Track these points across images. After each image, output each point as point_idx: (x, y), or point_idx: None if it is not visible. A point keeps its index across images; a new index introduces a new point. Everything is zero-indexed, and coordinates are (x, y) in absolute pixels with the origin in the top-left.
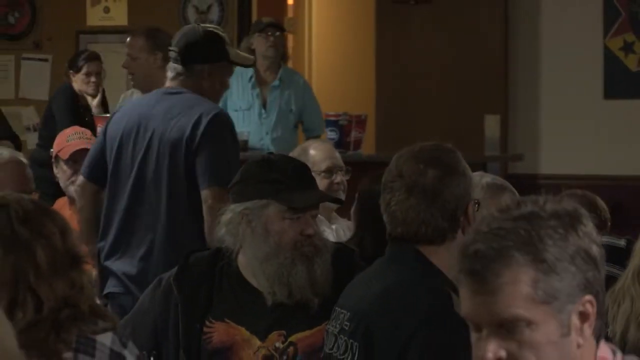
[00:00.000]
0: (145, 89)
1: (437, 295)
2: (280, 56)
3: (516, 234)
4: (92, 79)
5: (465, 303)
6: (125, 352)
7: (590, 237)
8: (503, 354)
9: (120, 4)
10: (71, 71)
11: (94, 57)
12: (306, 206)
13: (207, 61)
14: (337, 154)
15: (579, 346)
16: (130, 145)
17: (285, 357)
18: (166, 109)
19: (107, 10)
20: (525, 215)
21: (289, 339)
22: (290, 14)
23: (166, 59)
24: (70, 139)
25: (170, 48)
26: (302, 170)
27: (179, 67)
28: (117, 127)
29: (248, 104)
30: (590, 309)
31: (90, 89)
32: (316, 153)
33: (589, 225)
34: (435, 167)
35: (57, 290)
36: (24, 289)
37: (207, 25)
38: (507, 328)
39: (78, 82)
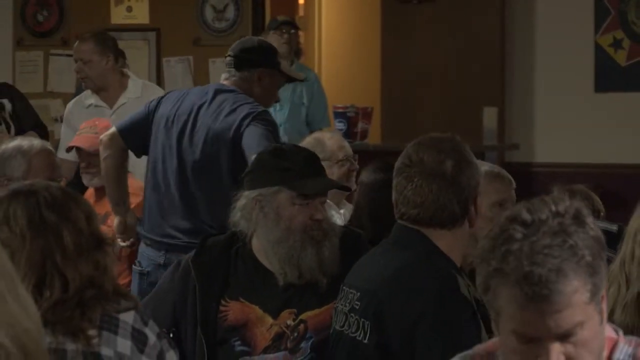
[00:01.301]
0: (99, 90)
1: (444, 277)
2: (294, 52)
3: (561, 248)
4: None
5: (523, 320)
6: (147, 330)
7: (595, 225)
8: (563, 358)
9: (142, 4)
10: None
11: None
12: (315, 192)
13: (258, 66)
14: (346, 143)
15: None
16: (177, 129)
17: (296, 334)
18: (218, 103)
19: (129, 9)
20: (553, 225)
21: (300, 317)
22: (301, 12)
23: (117, 60)
24: (81, 132)
25: (227, 54)
26: (311, 159)
27: (232, 70)
28: (169, 108)
29: None
30: (604, 291)
31: None
32: (332, 143)
33: (589, 214)
34: (453, 157)
35: (82, 271)
36: (52, 269)
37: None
38: (566, 335)
39: None
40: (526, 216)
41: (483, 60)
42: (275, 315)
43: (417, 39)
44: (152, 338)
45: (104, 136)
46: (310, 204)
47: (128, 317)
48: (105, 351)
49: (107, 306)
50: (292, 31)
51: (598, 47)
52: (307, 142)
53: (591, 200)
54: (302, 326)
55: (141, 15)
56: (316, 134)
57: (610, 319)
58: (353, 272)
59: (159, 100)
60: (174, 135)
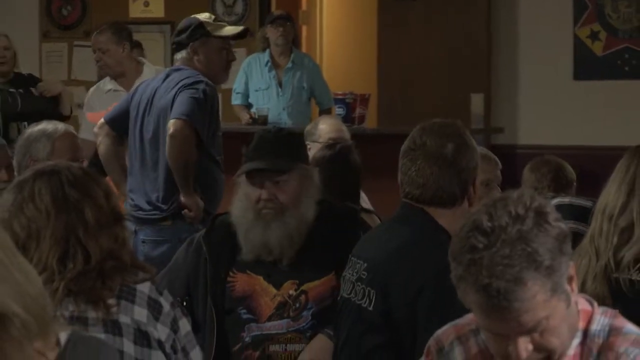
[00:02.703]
0: (117, 76)
1: (445, 251)
2: (291, 42)
3: (519, 257)
4: None
5: (488, 324)
6: (161, 299)
7: (557, 217)
8: (530, 347)
9: (158, 0)
10: None
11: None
12: (242, 174)
13: (187, 44)
14: (344, 128)
15: (575, 303)
16: (141, 112)
17: (297, 304)
18: (167, 83)
19: (146, 4)
20: (511, 233)
21: (301, 288)
22: (304, 7)
23: (132, 49)
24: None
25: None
26: (262, 142)
27: (176, 55)
28: (138, 95)
29: (266, 84)
30: (573, 271)
31: None
32: (324, 127)
33: (552, 209)
34: (454, 141)
35: (102, 244)
36: (75, 243)
37: (194, 15)
38: (531, 330)
39: None
40: (486, 224)
41: (471, 51)
42: (278, 286)
43: (410, 33)
44: (166, 307)
45: (96, 127)
46: (264, 185)
47: (144, 287)
48: (123, 319)
49: (126, 277)
50: (288, 24)
51: (577, 39)
52: (309, 125)
53: (563, 170)
54: (303, 297)
55: (157, 9)
56: (318, 118)
57: (583, 289)
58: (361, 244)
59: (136, 89)
60: (139, 118)
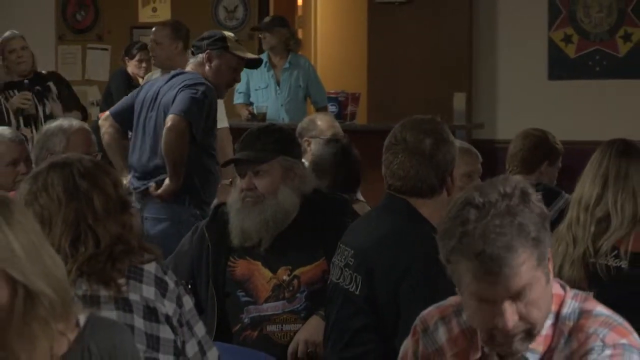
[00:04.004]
0: (165, 69)
1: (426, 239)
2: (283, 45)
3: (509, 227)
4: (143, 64)
5: (479, 288)
6: (166, 278)
7: (539, 199)
8: (516, 317)
9: (165, 5)
10: (126, 58)
11: (145, 47)
12: (222, 165)
13: (205, 50)
14: (337, 124)
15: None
16: (146, 109)
17: (291, 288)
18: (171, 83)
19: (154, 10)
20: (502, 208)
21: (294, 273)
22: (299, 12)
23: (185, 48)
24: None
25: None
26: (246, 137)
27: (192, 57)
28: (144, 93)
29: (265, 83)
30: (550, 254)
31: (141, 72)
32: (322, 123)
33: (534, 191)
34: (432, 136)
35: (111, 230)
36: (85, 228)
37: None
38: (516, 296)
39: (132, 67)
40: (478, 200)
41: (454, 52)
42: (274, 270)
43: (398, 36)
44: (171, 284)
45: (101, 119)
46: (245, 176)
47: (151, 267)
48: (133, 296)
49: (133, 259)
50: (275, 29)
51: (551, 42)
52: (304, 121)
53: (551, 141)
54: (296, 281)
55: (164, 15)
56: (312, 115)
57: (560, 273)
58: (349, 232)
59: (142, 87)
60: (143, 113)
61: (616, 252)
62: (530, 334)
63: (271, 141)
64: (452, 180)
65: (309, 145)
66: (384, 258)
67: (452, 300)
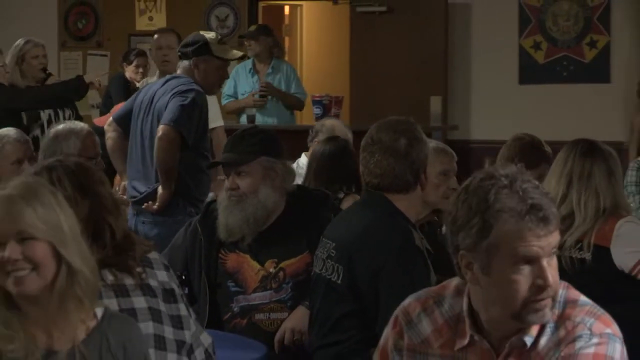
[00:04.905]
0: (173, 72)
1: (403, 231)
2: (267, 53)
3: (538, 190)
4: (140, 70)
5: (531, 243)
6: (165, 262)
7: None
8: (552, 278)
9: (160, 15)
10: (124, 63)
11: (142, 54)
12: (208, 167)
13: (191, 56)
14: (343, 126)
15: None
16: (143, 112)
17: (277, 280)
18: (165, 87)
19: (151, 18)
20: (526, 178)
21: (280, 265)
22: (286, 21)
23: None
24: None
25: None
26: (230, 140)
27: (179, 62)
28: (141, 96)
29: (250, 88)
30: None
31: (138, 77)
32: (340, 130)
33: None
34: (406, 136)
35: (122, 223)
36: (102, 223)
37: (202, 32)
38: (551, 255)
39: (129, 72)
40: (501, 172)
41: (430, 58)
42: (262, 263)
43: (378, 43)
44: (171, 269)
45: (106, 124)
46: (229, 176)
47: (154, 255)
48: (152, 282)
49: (140, 249)
50: (261, 37)
51: (521, 48)
52: (317, 124)
53: (542, 145)
54: (281, 273)
55: (160, 23)
56: (324, 119)
57: None
58: (330, 226)
59: (141, 90)
60: (140, 116)
61: (580, 245)
62: (554, 302)
63: (252, 143)
64: (426, 176)
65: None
66: (363, 249)
67: (430, 291)
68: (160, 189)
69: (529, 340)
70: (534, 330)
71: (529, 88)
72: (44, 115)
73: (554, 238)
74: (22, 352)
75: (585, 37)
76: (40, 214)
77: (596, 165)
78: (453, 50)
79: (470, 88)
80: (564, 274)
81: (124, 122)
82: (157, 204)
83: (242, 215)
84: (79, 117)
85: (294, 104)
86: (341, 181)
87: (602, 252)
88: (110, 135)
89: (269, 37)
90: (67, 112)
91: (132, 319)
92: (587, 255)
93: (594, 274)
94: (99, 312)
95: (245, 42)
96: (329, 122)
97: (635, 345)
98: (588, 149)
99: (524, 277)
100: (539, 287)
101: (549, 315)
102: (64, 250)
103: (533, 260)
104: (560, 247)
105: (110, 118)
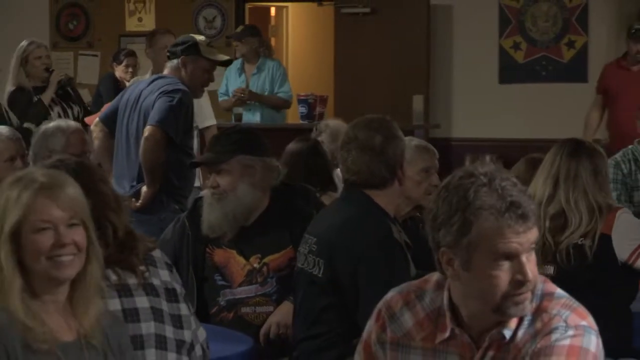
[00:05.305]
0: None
1: (381, 226)
2: (254, 53)
3: (516, 188)
4: (130, 69)
5: (509, 240)
6: (167, 260)
7: None
8: (530, 272)
9: (150, 16)
10: (114, 63)
11: (132, 54)
12: (190, 167)
13: (180, 55)
14: (342, 127)
15: None
16: (128, 110)
17: (262, 274)
18: (152, 86)
19: (140, 19)
20: (505, 176)
21: (263, 261)
22: (272, 22)
23: None
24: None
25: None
26: (212, 140)
27: (168, 62)
28: (127, 95)
29: (239, 87)
30: None
31: (128, 77)
32: (332, 126)
33: None
34: (381, 133)
35: (124, 221)
36: (104, 221)
37: (192, 34)
38: (530, 250)
39: (119, 72)
40: (480, 170)
41: (413, 58)
42: (247, 258)
43: (362, 42)
44: (172, 265)
45: (93, 124)
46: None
47: (157, 253)
48: (155, 281)
49: (143, 247)
50: (247, 38)
51: (502, 49)
52: (321, 124)
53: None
54: (265, 268)
55: (149, 24)
56: (336, 122)
57: None
58: (313, 222)
59: (127, 89)
60: (126, 114)
61: (581, 239)
62: (533, 295)
63: (229, 143)
64: (403, 172)
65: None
66: (343, 243)
67: (411, 285)
68: (144, 188)
69: (507, 333)
70: (513, 323)
71: (508, 87)
72: (54, 113)
73: (533, 234)
74: (44, 344)
75: (564, 38)
76: (80, 198)
77: (581, 165)
78: (435, 51)
79: (452, 87)
80: (556, 262)
81: (110, 121)
82: (140, 201)
83: (222, 212)
84: (87, 114)
85: (278, 104)
86: (315, 180)
87: (606, 239)
88: (97, 135)
89: (254, 37)
90: (76, 109)
91: (121, 319)
92: (588, 242)
93: (595, 261)
94: None
95: (233, 43)
96: (333, 122)
97: (621, 332)
98: (574, 149)
99: (503, 273)
100: (519, 282)
101: (529, 308)
102: (93, 234)
103: (512, 256)
104: (557, 245)
105: (97, 118)
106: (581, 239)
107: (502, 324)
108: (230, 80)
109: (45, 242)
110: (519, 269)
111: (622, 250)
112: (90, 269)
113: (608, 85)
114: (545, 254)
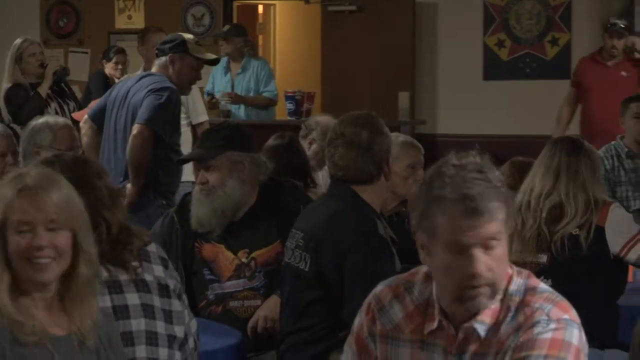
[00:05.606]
0: None
1: (367, 221)
2: (238, 52)
3: (485, 180)
4: (119, 66)
5: (458, 231)
6: (164, 254)
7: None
8: (485, 266)
9: (139, 13)
10: (104, 60)
11: (121, 51)
12: (178, 164)
13: (168, 53)
14: (330, 122)
15: None
16: (116, 107)
17: (249, 268)
18: (140, 83)
19: (130, 17)
20: (479, 168)
21: (251, 255)
22: (260, 20)
23: None
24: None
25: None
26: (201, 136)
27: (156, 60)
28: (115, 92)
29: (224, 86)
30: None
31: (117, 74)
32: (322, 123)
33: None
34: (367, 129)
35: (118, 216)
36: (98, 217)
37: (181, 33)
38: (487, 245)
39: (109, 69)
40: (454, 160)
41: (398, 56)
42: (235, 252)
43: (348, 40)
44: (169, 261)
45: (82, 122)
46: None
47: (153, 248)
48: (148, 277)
49: (138, 242)
50: (233, 38)
51: (486, 46)
52: (310, 121)
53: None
54: (253, 262)
55: (139, 22)
56: (326, 118)
57: (510, 246)
58: (300, 217)
59: (115, 86)
60: (114, 111)
61: (576, 230)
62: (493, 291)
63: (218, 139)
64: (389, 167)
65: (311, 144)
66: (329, 238)
67: (400, 278)
68: (129, 185)
69: (480, 327)
70: (486, 317)
71: (493, 84)
72: (51, 109)
73: (487, 230)
74: (33, 336)
75: (547, 35)
76: (67, 203)
77: (582, 161)
78: (420, 48)
79: (437, 84)
80: (550, 253)
81: (98, 118)
82: (125, 199)
83: (211, 207)
84: (81, 110)
85: (264, 104)
86: (293, 177)
87: (600, 232)
88: (86, 132)
89: (239, 37)
90: (72, 105)
91: (110, 314)
92: (583, 234)
93: (589, 252)
94: None
95: (219, 42)
96: (323, 119)
97: (608, 324)
98: (574, 147)
99: (456, 264)
100: (469, 274)
101: (486, 303)
102: (84, 238)
103: (463, 249)
104: (552, 235)
105: (86, 116)
106: (576, 229)
107: (475, 317)
108: (216, 79)
109: (23, 243)
110: (470, 261)
111: (615, 243)
112: (78, 272)
113: (582, 79)
114: (540, 244)
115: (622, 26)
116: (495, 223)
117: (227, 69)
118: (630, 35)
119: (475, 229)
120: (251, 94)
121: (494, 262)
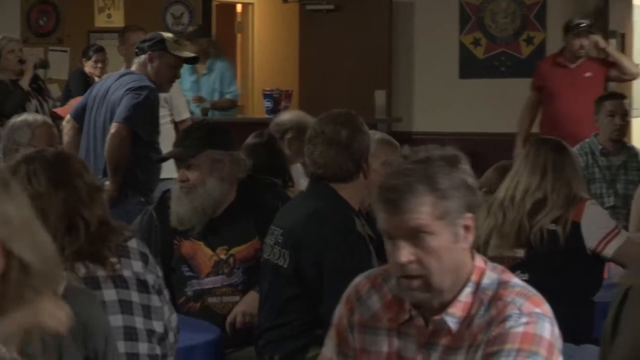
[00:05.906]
0: None
1: (345, 219)
2: (203, 53)
3: (417, 172)
4: (99, 65)
5: (383, 221)
6: (146, 251)
7: (467, 172)
8: (412, 258)
9: (118, 12)
10: (84, 59)
11: (101, 50)
12: (158, 162)
13: (146, 51)
14: (305, 119)
15: (463, 250)
16: (96, 106)
17: (228, 265)
18: (119, 82)
19: (109, 16)
20: (421, 159)
21: (230, 252)
22: (239, 19)
23: None
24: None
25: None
26: (180, 134)
27: (136, 58)
28: (95, 90)
29: (189, 86)
30: (471, 223)
31: (97, 72)
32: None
33: (466, 164)
34: (347, 127)
35: (97, 213)
36: (75, 215)
37: (160, 32)
38: (414, 237)
39: (88, 67)
40: (407, 152)
41: (375, 54)
42: (214, 249)
43: (326, 39)
44: (150, 257)
45: (64, 121)
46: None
47: (133, 243)
48: (126, 273)
49: (117, 238)
50: (200, 39)
51: (462, 45)
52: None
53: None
54: (231, 259)
55: (118, 20)
56: (298, 115)
57: (488, 241)
58: (279, 214)
59: (95, 85)
60: (94, 109)
61: (556, 223)
62: (429, 285)
63: (198, 137)
64: (368, 165)
65: (291, 144)
66: (308, 235)
67: (379, 269)
68: (107, 183)
69: (449, 319)
70: (457, 310)
71: (468, 82)
72: (32, 105)
73: (407, 222)
74: None
75: (522, 34)
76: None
77: (567, 159)
78: (397, 46)
79: (413, 82)
80: (530, 248)
81: (80, 117)
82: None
83: (191, 205)
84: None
85: (227, 106)
86: (271, 175)
87: (576, 227)
88: (67, 132)
89: (204, 38)
90: (51, 103)
91: (92, 293)
92: (560, 228)
93: (566, 246)
94: (60, 289)
95: (193, 42)
96: (296, 117)
97: (583, 319)
98: (558, 146)
99: (391, 251)
100: (396, 264)
101: (422, 298)
102: (13, 245)
103: (391, 237)
104: (532, 227)
105: (68, 115)
106: (553, 225)
107: (444, 309)
108: (183, 78)
109: None
110: (394, 250)
111: (591, 239)
112: (13, 276)
113: (545, 83)
114: (519, 237)
115: (587, 25)
116: (417, 217)
117: (194, 70)
118: (592, 35)
119: (394, 221)
120: (216, 95)
121: (425, 255)
